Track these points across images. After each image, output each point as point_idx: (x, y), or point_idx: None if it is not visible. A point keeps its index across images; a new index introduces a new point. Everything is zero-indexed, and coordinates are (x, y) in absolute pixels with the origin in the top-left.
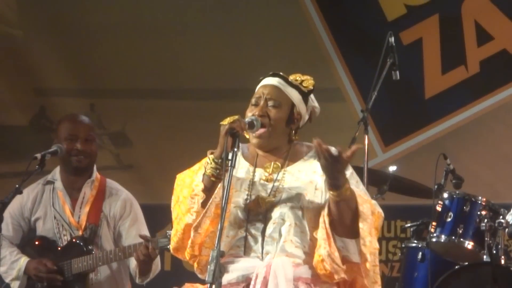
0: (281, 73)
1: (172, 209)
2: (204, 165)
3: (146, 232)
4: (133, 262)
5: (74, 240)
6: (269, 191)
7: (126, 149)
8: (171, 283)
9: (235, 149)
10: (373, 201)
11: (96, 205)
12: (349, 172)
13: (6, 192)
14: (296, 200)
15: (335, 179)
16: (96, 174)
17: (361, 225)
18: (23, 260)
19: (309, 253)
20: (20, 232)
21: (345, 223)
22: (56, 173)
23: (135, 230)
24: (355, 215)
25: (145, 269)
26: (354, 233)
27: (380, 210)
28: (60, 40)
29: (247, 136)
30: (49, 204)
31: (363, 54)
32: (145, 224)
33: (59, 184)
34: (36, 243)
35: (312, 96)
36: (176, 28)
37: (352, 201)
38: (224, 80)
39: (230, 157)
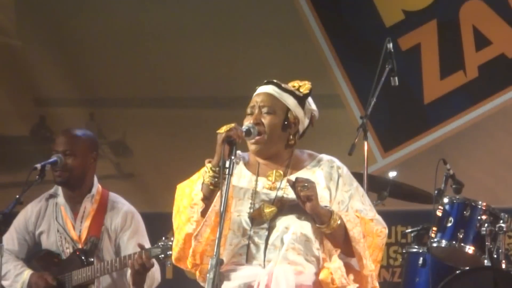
0: (274, 80)
1: (173, 219)
2: (203, 174)
3: (147, 244)
4: (128, 273)
5: (76, 252)
6: (272, 199)
7: (126, 158)
8: None
9: (232, 157)
10: (376, 217)
11: (97, 219)
12: (354, 186)
13: (7, 202)
14: (300, 208)
15: (316, 218)
16: (97, 188)
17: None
18: (27, 273)
19: (312, 261)
20: (25, 246)
21: (341, 248)
22: (58, 188)
23: (134, 242)
24: (348, 240)
25: (139, 281)
26: (352, 253)
27: (380, 227)
28: (59, 50)
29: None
30: (52, 218)
31: (361, 60)
32: (146, 236)
33: (61, 199)
34: (42, 256)
35: (309, 99)
36: (174, 37)
37: (342, 229)
38: (223, 88)
39: (227, 165)
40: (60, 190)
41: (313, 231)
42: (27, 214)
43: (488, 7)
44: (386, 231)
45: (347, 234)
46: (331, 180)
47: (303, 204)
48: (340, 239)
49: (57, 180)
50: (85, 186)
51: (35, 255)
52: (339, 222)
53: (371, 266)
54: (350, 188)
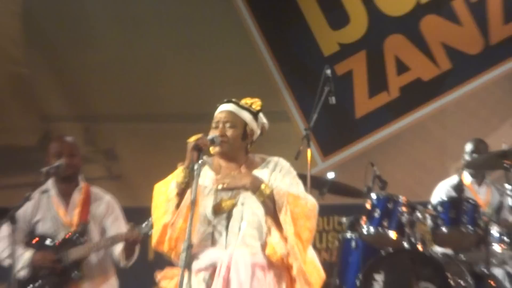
0: (233, 99)
1: (152, 212)
2: (176, 175)
3: (124, 227)
4: (116, 250)
5: (69, 234)
6: (230, 194)
7: (116, 163)
8: (154, 269)
9: (200, 161)
10: (308, 195)
11: (85, 207)
12: (292, 175)
13: (19, 199)
14: (252, 200)
15: (253, 189)
16: (82, 183)
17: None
18: (29, 253)
19: (264, 244)
20: (23, 233)
21: (274, 216)
22: (49, 184)
23: (116, 226)
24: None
25: (130, 253)
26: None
27: (310, 201)
28: (60, 75)
29: (212, 152)
30: (46, 209)
31: (305, 82)
32: (123, 221)
33: (53, 192)
34: (38, 240)
35: (260, 114)
36: (153, 65)
37: (272, 196)
38: (192, 106)
39: (196, 167)
40: (50, 185)
41: (263, 218)
42: (24, 206)
43: (407, 40)
44: (316, 204)
45: (275, 202)
46: (274, 171)
47: (241, 188)
48: (272, 206)
49: (63, 175)
50: (76, 180)
51: (32, 240)
52: (268, 192)
53: (290, 230)
54: (288, 176)
